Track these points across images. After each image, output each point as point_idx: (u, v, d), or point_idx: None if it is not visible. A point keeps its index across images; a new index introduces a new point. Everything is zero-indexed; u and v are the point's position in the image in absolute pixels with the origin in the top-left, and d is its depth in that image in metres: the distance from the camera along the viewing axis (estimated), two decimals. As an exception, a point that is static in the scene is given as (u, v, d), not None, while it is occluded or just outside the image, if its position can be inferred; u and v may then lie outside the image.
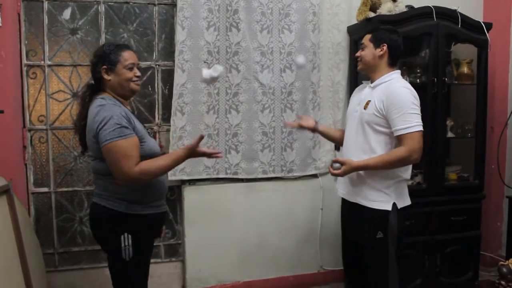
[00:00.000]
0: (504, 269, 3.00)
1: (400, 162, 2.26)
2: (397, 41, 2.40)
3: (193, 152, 2.01)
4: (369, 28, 2.55)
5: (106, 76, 2.02)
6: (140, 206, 2.00)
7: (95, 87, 2.06)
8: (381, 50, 2.37)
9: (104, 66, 2.01)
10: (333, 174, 2.33)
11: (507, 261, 3.08)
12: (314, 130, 2.71)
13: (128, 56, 2.04)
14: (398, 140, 2.26)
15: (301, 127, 2.71)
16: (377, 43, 2.38)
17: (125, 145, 1.87)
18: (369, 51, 2.40)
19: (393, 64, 2.42)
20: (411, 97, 2.26)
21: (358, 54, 2.47)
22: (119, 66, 2.01)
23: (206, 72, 2.26)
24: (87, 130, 1.99)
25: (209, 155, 2.08)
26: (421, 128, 2.24)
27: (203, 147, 2.08)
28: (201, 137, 2.01)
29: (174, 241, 3.38)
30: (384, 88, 2.32)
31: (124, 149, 1.87)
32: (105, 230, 2.03)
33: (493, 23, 3.36)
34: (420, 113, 2.28)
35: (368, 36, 2.43)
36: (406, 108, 2.22)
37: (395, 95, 2.26)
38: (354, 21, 3.35)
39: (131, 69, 2.04)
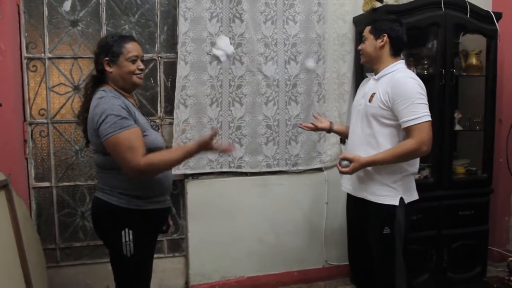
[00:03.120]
0: (514, 265, 2.95)
1: (409, 155, 2.20)
2: (398, 30, 2.34)
3: (205, 147, 1.93)
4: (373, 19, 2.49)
5: (108, 68, 1.97)
6: (142, 201, 1.96)
7: (98, 79, 2.02)
8: (382, 41, 2.32)
9: (106, 58, 1.96)
10: (341, 172, 2.28)
11: (516, 256, 3.03)
12: (329, 130, 2.67)
13: (131, 48, 1.98)
14: (406, 132, 2.20)
15: (316, 129, 2.66)
16: (377, 34, 2.33)
17: (127, 137, 1.82)
18: (369, 43, 2.36)
19: (396, 54, 2.36)
20: (417, 87, 2.20)
21: (360, 47, 2.43)
22: (121, 59, 1.96)
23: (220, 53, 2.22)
24: (88, 123, 1.95)
25: (222, 151, 2.02)
26: (429, 118, 2.18)
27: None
28: (215, 132, 1.92)
29: (177, 236, 3.34)
30: (389, 79, 2.27)
31: (127, 141, 1.82)
32: (106, 225, 1.99)
33: (503, 12, 3.30)
34: (427, 103, 2.22)
35: (368, 28, 2.39)
36: (413, 99, 2.16)
37: (401, 86, 2.20)
38: (360, 12, 3.28)
39: (134, 61, 1.98)
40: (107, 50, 1.96)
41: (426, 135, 2.16)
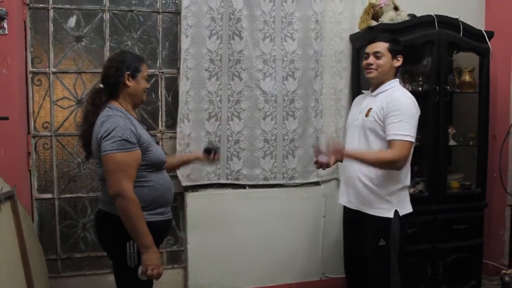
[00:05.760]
0: (507, 278, 2.97)
1: (386, 164, 2.26)
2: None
3: (147, 258, 1.92)
4: (379, 37, 2.48)
5: (127, 82, 2.05)
6: (146, 213, 1.97)
7: (109, 93, 2.06)
8: (397, 61, 2.41)
9: (128, 72, 2.04)
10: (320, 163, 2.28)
11: (509, 270, 3.05)
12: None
13: (145, 68, 2.12)
14: (389, 144, 2.27)
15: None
16: (394, 54, 2.40)
17: (123, 159, 1.89)
18: (387, 60, 2.39)
19: (396, 73, 2.46)
20: (413, 108, 2.30)
21: (372, 61, 2.40)
22: (140, 75, 2.08)
23: None
24: (93, 137, 2.00)
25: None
26: (413, 140, 2.25)
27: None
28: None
29: (176, 247, 3.38)
30: (386, 95, 2.36)
31: (123, 163, 1.88)
32: (111, 237, 2.03)
33: (495, 31, 3.37)
34: (416, 125, 2.30)
35: (385, 45, 2.39)
36: (405, 117, 2.25)
37: (398, 103, 2.28)
38: (357, 30, 3.36)
39: (146, 80, 2.13)
40: (129, 65, 2.05)
41: (406, 152, 2.23)
